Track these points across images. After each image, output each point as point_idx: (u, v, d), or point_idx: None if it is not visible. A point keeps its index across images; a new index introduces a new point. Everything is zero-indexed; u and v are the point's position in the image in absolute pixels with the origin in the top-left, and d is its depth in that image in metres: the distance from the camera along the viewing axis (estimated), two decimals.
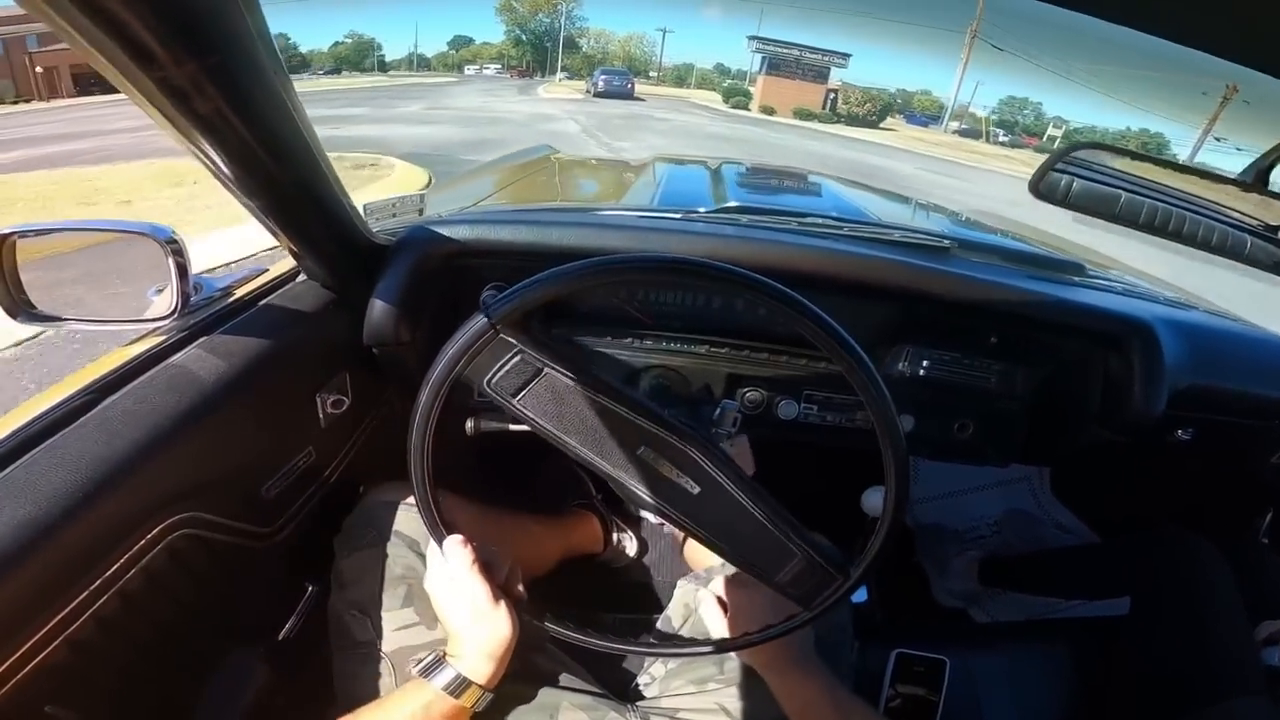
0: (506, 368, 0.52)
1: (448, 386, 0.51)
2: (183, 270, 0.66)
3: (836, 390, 0.94)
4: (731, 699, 0.70)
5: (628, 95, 23.77)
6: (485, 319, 0.50)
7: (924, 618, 1.37)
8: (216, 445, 0.63)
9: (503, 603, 0.57)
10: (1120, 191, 0.59)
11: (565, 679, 0.70)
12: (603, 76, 24.56)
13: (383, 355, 0.81)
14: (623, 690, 0.76)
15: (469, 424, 0.78)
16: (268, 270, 0.81)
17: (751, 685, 0.69)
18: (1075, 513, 1.49)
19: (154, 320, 0.67)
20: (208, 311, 0.71)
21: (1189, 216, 0.58)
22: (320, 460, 0.80)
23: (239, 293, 0.75)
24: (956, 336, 0.93)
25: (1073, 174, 0.57)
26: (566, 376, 0.54)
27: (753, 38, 34.19)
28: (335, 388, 0.80)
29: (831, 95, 31.92)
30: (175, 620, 0.61)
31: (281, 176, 0.57)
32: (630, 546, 1.21)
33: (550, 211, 0.98)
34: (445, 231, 0.79)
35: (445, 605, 0.58)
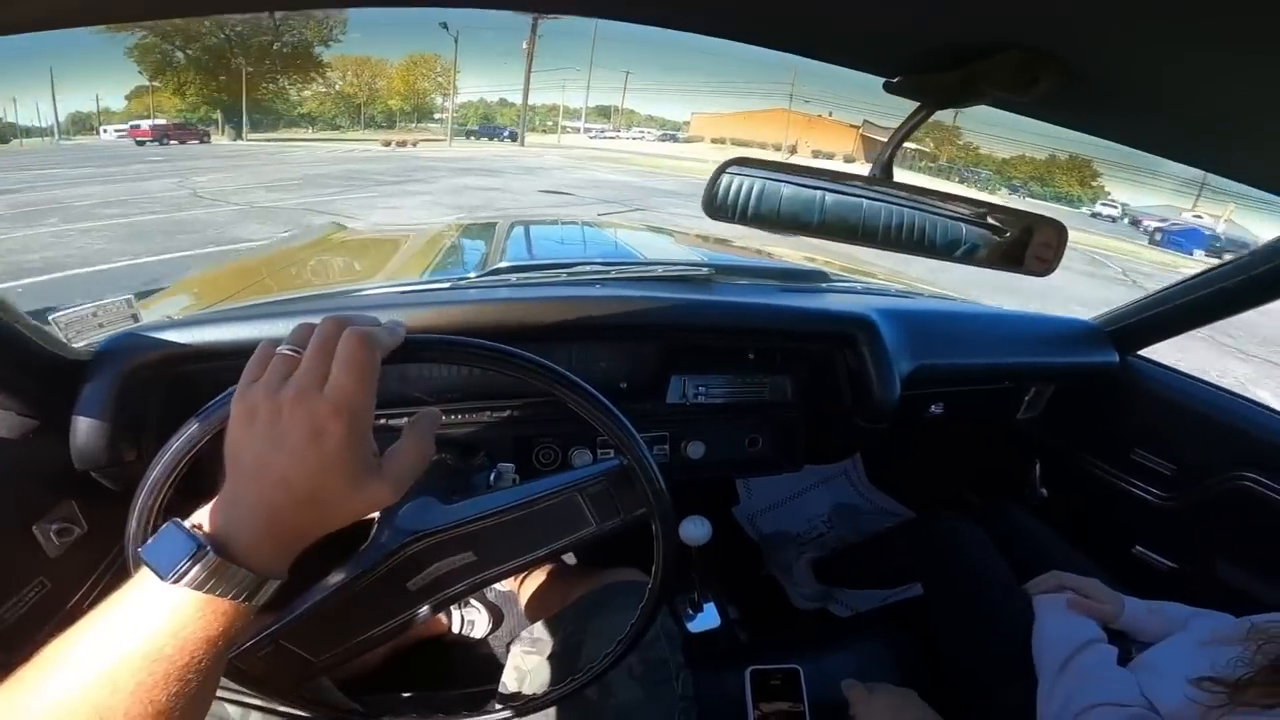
0: None
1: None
2: None
3: None
4: None
5: None
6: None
7: (789, 626, 1.39)
8: None
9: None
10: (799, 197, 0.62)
11: None
12: None
13: (107, 477, 0.74)
14: None
15: None
16: None
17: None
18: (893, 496, 1.62)
19: None
20: None
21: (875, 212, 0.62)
22: (59, 590, 0.74)
23: None
24: (722, 358, 0.98)
25: (737, 190, 0.62)
26: None
27: None
28: (59, 517, 0.73)
29: None
30: None
31: None
32: (481, 620, 1.21)
33: (298, 300, 0.92)
34: (158, 336, 0.73)
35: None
